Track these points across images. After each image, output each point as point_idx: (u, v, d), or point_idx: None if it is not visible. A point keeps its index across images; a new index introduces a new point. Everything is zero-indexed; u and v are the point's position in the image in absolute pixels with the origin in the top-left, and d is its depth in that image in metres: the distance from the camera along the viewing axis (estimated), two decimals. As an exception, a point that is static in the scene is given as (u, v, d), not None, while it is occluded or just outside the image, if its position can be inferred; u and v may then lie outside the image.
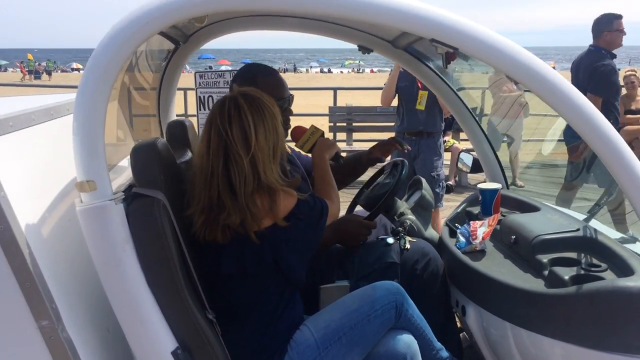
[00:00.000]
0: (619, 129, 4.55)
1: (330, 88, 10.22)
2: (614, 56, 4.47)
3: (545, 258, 1.99)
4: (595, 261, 1.89)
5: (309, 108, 11.34)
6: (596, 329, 1.66)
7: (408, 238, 2.26)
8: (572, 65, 4.63)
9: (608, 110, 4.25)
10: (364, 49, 2.59)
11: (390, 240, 2.24)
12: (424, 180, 2.54)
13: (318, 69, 60.98)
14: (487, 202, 2.45)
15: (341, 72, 54.95)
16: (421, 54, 2.53)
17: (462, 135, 8.65)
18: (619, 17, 4.32)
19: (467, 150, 5.23)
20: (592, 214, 2.18)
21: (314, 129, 2.29)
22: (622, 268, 1.78)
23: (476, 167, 2.78)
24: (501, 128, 6.83)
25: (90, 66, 1.51)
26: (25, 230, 1.48)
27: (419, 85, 4.22)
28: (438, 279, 2.19)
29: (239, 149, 1.69)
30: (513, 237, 2.17)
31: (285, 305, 1.81)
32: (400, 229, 2.30)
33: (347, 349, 1.78)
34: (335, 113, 8.77)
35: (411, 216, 2.40)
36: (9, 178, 1.48)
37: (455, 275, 2.20)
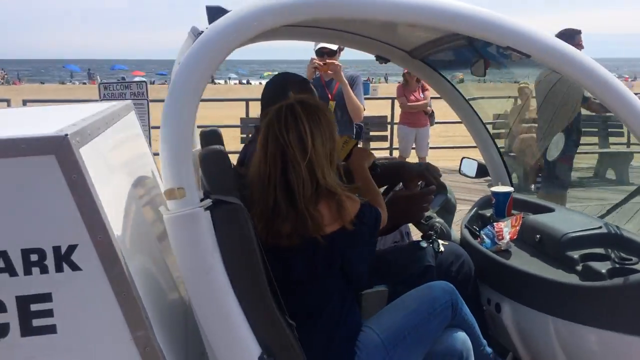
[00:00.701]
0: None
1: (242, 99, 9.80)
2: None
3: (575, 254, 2.13)
4: (624, 255, 2.05)
5: (222, 120, 10.98)
6: None
7: (440, 241, 2.35)
8: (536, 80, 4.90)
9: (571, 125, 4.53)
10: (381, 59, 2.68)
11: (424, 243, 2.32)
12: (448, 184, 2.64)
13: (237, 80, 60.63)
14: (500, 205, 2.58)
15: (260, 83, 54.87)
16: (436, 63, 2.65)
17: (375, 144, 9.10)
18: (579, 32, 4.63)
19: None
20: (608, 212, 2.36)
21: (348, 138, 2.31)
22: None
23: (480, 172, 2.92)
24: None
25: (181, 74, 1.50)
26: (118, 240, 1.44)
27: (329, 96, 4.33)
28: (471, 280, 2.29)
29: (297, 154, 1.73)
30: (538, 236, 2.30)
31: (348, 310, 1.84)
32: (432, 232, 2.38)
33: (412, 347, 1.84)
34: (247, 125, 8.46)
35: (439, 219, 2.49)
36: (101, 186, 1.44)
37: (488, 274, 2.31)
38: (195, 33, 1.86)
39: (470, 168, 2.99)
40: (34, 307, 1.38)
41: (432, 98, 7.14)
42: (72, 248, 1.38)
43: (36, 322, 1.39)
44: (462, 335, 1.95)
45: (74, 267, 1.39)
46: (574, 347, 2.00)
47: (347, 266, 1.80)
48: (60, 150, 1.35)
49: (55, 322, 1.40)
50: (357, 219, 1.78)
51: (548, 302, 2.05)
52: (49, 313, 1.39)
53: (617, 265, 2.00)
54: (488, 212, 2.68)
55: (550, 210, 2.53)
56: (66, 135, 1.35)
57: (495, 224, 2.42)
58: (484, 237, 2.40)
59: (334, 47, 4.15)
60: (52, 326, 1.40)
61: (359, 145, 2.30)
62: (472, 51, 2.23)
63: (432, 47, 2.43)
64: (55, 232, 1.37)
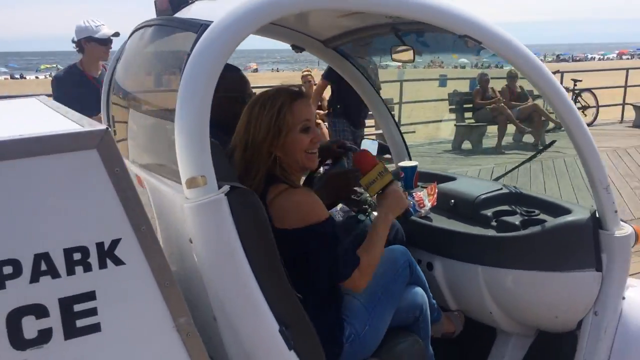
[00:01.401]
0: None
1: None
2: None
3: (488, 212, 2.54)
4: (527, 209, 2.49)
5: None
6: (559, 255, 2.25)
7: (374, 213, 2.60)
8: None
9: None
10: (297, 48, 2.83)
11: (362, 217, 2.55)
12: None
13: (7, 75, 54.68)
14: (408, 178, 2.91)
15: (37, 77, 50.42)
16: (348, 54, 2.88)
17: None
18: None
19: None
20: (501, 176, 2.81)
21: (383, 168, 2.07)
22: (556, 210, 2.41)
23: (382, 151, 3.23)
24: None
25: (195, 63, 1.53)
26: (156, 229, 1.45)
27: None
28: (404, 244, 2.58)
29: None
30: (452, 201, 2.68)
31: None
32: (366, 206, 2.62)
33: (386, 306, 2.07)
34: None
35: (366, 193, 2.73)
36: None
37: (417, 238, 2.62)
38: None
39: (372, 148, 3.29)
40: (77, 307, 1.34)
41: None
42: (115, 243, 1.36)
43: (80, 323, 1.35)
44: (420, 291, 2.22)
45: (118, 262, 1.37)
46: (499, 289, 2.38)
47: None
48: (102, 144, 1.32)
49: (100, 320, 1.37)
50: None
51: (475, 254, 2.41)
52: (92, 312, 1.36)
53: (526, 217, 2.43)
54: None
55: (453, 179, 2.92)
56: (107, 128, 1.32)
57: (414, 193, 2.73)
58: (407, 206, 2.71)
59: None
60: (97, 325, 1.37)
61: (393, 185, 2.07)
62: (393, 40, 2.50)
63: (350, 36, 2.66)
64: (98, 228, 1.34)
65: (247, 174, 1.81)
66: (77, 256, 1.32)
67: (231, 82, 2.22)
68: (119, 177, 1.35)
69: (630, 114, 12.91)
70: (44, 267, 1.29)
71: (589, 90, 13.21)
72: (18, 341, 1.29)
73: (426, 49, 2.60)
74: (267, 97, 1.84)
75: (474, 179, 2.92)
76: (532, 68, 1.95)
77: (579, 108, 8.78)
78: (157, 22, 2.06)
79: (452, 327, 2.54)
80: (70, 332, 1.34)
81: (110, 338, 1.39)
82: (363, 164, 2.08)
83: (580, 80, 13.17)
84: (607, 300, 2.26)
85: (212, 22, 1.59)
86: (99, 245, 1.34)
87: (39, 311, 1.30)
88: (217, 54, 1.55)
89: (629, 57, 76.22)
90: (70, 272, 1.32)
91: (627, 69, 14.06)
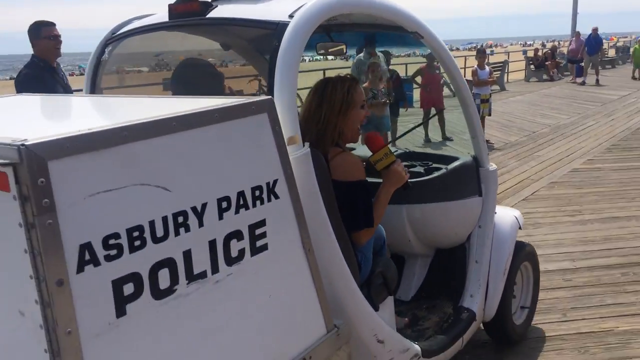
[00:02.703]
0: None
1: None
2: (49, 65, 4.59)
3: None
4: (423, 162, 3.43)
5: None
6: (456, 188, 3.22)
7: None
8: None
9: None
10: (226, 46, 3.32)
11: None
12: None
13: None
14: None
15: None
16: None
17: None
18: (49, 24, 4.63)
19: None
20: (395, 139, 3.72)
21: (389, 150, 2.53)
22: (444, 160, 3.39)
23: None
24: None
25: (288, 48, 2.07)
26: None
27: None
28: None
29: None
30: (364, 162, 3.48)
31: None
32: None
33: (370, 242, 2.77)
34: None
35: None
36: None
37: None
38: None
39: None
40: (257, 231, 1.80)
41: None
42: (275, 182, 1.85)
43: (258, 243, 1.81)
44: (381, 227, 2.97)
45: (276, 197, 1.86)
46: (417, 220, 3.26)
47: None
48: (270, 109, 1.81)
49: (267, 241, 1.84)
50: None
51: (399, 197, 3.25)
52: (264, 235, 1.83)
53: (425, 167, 3.37)
54: None
55: (353, 148, 3.73)
56: (271, 97, 1.81)
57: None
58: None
59: None
60: (265, 245, 1.84)
61: (396, 164, 2.54)
62: (324, 38, 3.19)
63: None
64: (267, 171, 1.82)
65: (318, 140, 2.37)
66: (257, 192, 1.79)
67: None
68: (278, 133, 1.85)
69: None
70: (241, 201, 1.74)
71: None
72: (227, 259, 1.71)
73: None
74: (336, 80, 2.45)
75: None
76: (446, 56, 2.88)
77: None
78: (209, 22, 2.44)
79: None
80: (254, 250, 1.80)
81: (272, 255, 1.87)
82: (373, 145, 2.55)
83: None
84: (486, 216, 3.31)
85: (282, 20, 2.13)
86: (267, 184, 1.83)
87: (239, 235, 1.74)
88: (300, 45, 2.10)
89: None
90: (254, 205, 1.78)
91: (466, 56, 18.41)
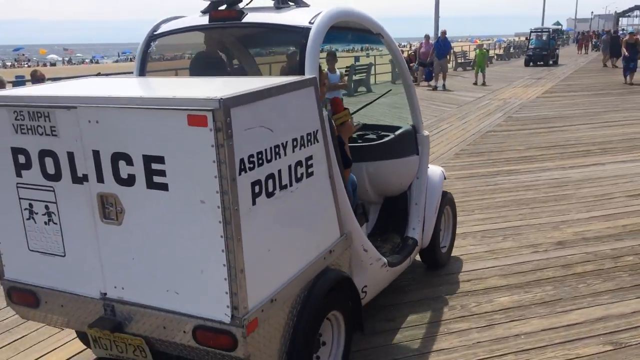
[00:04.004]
0: None
1: None
2: None
3: (355, 135, 4.51)
4: (375, 131, 4.56)
5: None
6: (401, 149, 4.37)
7: None
8: None
9: None
10: (254, 43, 4.23)
11: None
12: None
13: None
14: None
15: None
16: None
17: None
18: None
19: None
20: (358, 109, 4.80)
21: (348, 112, 3.65)
22: (392, 129, 4.54)
23: None
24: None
25: (312, 48, 3.07)
26: None
27: None
28: None
29: None
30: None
31: None
32: None
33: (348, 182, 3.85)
34: None
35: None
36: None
37: None
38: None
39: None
40: (308, 162, 2.80)
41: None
42: (316, 132, 2.86)
43: (309, 171, 2.81)
44: (353, 175, 4.04)
45: (317, 141, 2.87)
46: (374, 175, 4.37)
47: None
48: (314, 84, 2.83)
49: (313, 170, 2.85)
50: None
51: (359, 157, 4.34)
52: (312, 165, 2.83)
53: (377, 134, 4.50)
54: None
55: None
56: (315, 77, 2.83)
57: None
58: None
59: None
60: (312, 172, 2.84)
61: (348, 120, 3.62)
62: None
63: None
64: (313, 124, 2.83)
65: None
66: (308, 137, 2.80)
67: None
68: (319, 102, 2.86)
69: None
70: (301, 142, 2.74)
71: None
72: (295, 179, 2.71)
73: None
74: None
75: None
76: (395, 49, 4.02)
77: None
78: (247, 25, 3.38)
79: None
80: (307, 175, 2.80)
81: (314, 179, 2.88)
82: (336, 107, 3.69)
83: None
84: (422, 170, 4.50)
85: (306, 26, 3.14)
86: (313, 132, 2.84)
87: (300, 164, 2.74)
88: (319, 42, 3.12)
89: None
90: (307, 145, 2.79)
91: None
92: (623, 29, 45.52)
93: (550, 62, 30.97)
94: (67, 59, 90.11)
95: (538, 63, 30.64)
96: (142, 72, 3.62)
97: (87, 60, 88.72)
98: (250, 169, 2.37)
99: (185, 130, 2.23)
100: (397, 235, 4.47)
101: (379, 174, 4.39)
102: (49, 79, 10.13)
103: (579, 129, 11.79)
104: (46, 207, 2.68)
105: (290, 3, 3.49)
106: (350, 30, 3.91)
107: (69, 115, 2.46)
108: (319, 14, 3.22)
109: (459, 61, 29.48)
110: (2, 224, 2.84)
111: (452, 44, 23.10)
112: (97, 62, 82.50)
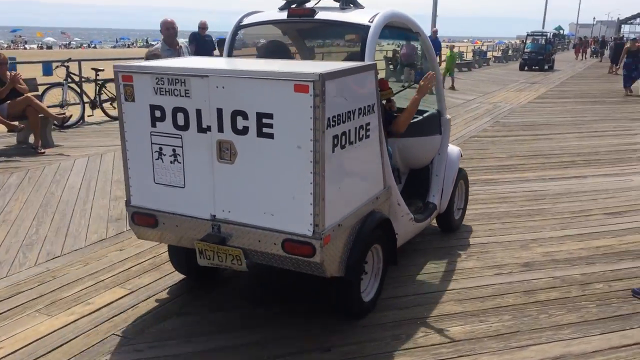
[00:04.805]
0: None
1: None
2: None
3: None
4: None
5: None
6: (429, 129, 5.32)
7: None
8: None
9: None
10: (325, 36, 5.17)
11: None
12: None
13: None
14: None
15: None
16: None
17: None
18: None
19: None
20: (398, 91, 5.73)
21: (391, 91, 4.75)
22: (420, 112, 5.48)
23: None
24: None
25: (371, 42, 4.00)
26: None
27: None
28: None
29: None
30: None
31: None
32: None
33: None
34: None
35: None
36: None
37: None
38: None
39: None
40: (367, 127, 3.74)
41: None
42: (373, 105, 3.80)
43: (367, 134, 3.75)
44: (389, 147, 4.98)
45: (373, 112, 3.81)
46: (403, 148, 5.30)
47: None
48: (374, 68, 3.76)
49: (370, 134, 3.79)
50: None
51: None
52: (368, 130, 3.77)
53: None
54: None
55: None
56: (375, 63, 3.77)
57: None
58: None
59: None
60: (369, 135, 3.78)
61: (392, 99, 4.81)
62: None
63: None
64: (371, 99, 3.76)
65: None
66: (367, 108, 3.73)
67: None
68: (377, 82, 3.80)
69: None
70: (364, 111, 3.67)
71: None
72: (358, 138, 3.64)
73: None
74: None
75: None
76: (429, 45, 4.96)
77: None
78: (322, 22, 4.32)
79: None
80: (365, 137, 3.74)
81: (369, 141, 3.81)
82: (382, 86, 4.70)
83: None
84: (443, 147, 5.45)
85: (366, 24, 4.07)
86: (371, 105, 3.77)
87: (362, 128, 3.68)
88: (376, 37, 4.05)
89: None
90: (366, 114, 3.72)
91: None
92: (623, 37, 45.91)
93: (546, 67, 30.93)
94: (65, 42, 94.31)
95: (533, 67, 30.72)
96: (230, 54, 4.56)
97: (84, 45, 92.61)
98: (333, 126, 3.30)
99: (291, 95, 3.17)
100: (420, 200, 5.41)
101: (407, 149, 5.32)
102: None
103: (566, 138, 11.59)
104: (173, 150, 3.62)
105: (351, 5, 4.43)
106: (395, 29, 4.84)
107: (202, 82, 3.40)
108: (376, 14, 4.16)
109: (453, 62, 30.09)
110: (134, 162, 3.79)
111: (453, 44, 23.72)
112: (94, 47, 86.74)
